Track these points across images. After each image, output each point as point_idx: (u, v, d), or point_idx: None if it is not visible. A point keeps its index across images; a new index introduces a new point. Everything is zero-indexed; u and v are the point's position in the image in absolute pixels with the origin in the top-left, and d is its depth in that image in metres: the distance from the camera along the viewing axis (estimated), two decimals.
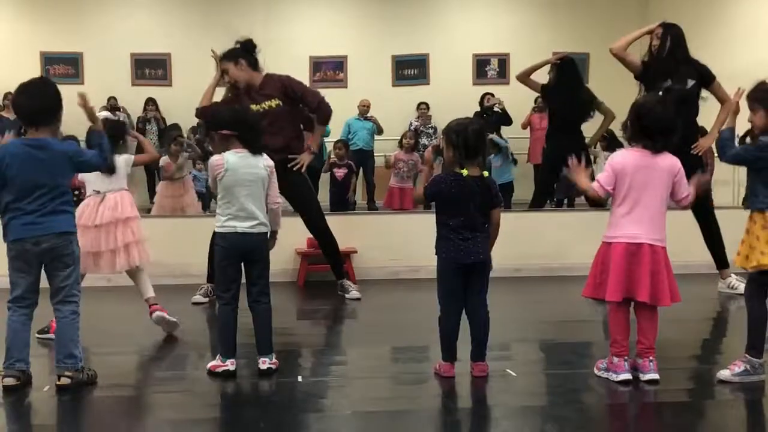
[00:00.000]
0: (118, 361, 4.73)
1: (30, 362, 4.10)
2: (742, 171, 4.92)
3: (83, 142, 6.64)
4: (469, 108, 11.30)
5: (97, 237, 5.18)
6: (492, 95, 12.34)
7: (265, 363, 4.28)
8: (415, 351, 4.87)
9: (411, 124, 12.58)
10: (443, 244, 4.13)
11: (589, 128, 8.45)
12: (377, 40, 13.44)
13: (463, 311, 4.18)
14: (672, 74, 6.22)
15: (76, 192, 6.19)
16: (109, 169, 4.90)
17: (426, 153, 4.91)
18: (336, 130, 11.87)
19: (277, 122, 6.07)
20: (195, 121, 10.16)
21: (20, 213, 3.97)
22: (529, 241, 7.35)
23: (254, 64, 6.24)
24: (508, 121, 12.00)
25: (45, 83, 4.20)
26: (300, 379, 4.31)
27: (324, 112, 6.35)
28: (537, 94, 9.13)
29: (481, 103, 12.30)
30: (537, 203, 8.49)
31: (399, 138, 10.92)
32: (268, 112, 6.05)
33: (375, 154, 12.11)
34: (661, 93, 5.83)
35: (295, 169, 6.22)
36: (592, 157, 8.98)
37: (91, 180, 5.27)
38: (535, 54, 10.99)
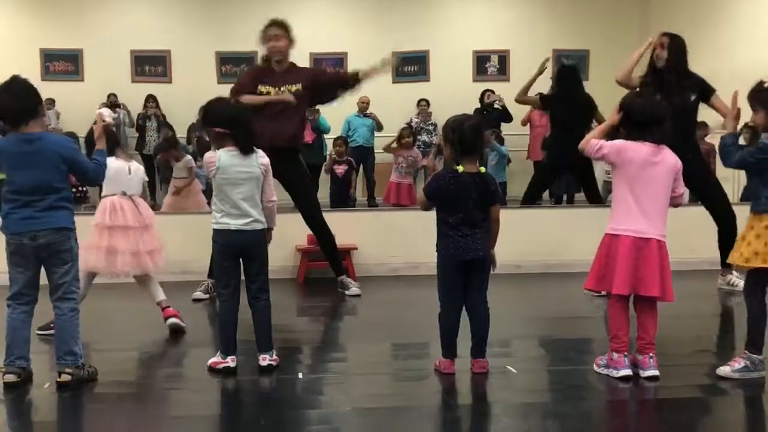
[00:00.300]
0: (118, 357, 4.73)
1: (30, 359, 4.11)
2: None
3: (82, 139, 6.65)
4: (470, 105, 11.28)
5: (135, 237, 5.18)
6: (492, 92, 12.31)
7: (265, 360, 4.28)
8: (415, 348, 4.88)
9: (411, 120, 12.56)
10: (443, 241, 4.13)
11: None
12: (377, 37, 13.37)
13: (463, 308, 4.18)
14: (672, 88, 6.18)
15: (75, 189, 6.16)
16: (98, 184, 4.90)
17: (428, 162, 4.91)
18: (336, 127, 11.89)
19: (288, 110, 6.15)
20: (194, 118, 10.17)
21: (19, 207, 3.99)
22: (529, 237, 7.34)
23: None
24: (508, 117, 11.97)
25: (25, 82, 4.15)
26: (300, 375, 4.32)
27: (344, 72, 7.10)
28: (537, 92, 9.08)
29: (481, 99, 12.29)
30: (529, 200, 8.41)
31: (397, 135, 10.87)
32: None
33: (375, 151, 12.09)
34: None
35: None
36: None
37: (121, 181, 5.20)
38: (535, 51, 11.03)
